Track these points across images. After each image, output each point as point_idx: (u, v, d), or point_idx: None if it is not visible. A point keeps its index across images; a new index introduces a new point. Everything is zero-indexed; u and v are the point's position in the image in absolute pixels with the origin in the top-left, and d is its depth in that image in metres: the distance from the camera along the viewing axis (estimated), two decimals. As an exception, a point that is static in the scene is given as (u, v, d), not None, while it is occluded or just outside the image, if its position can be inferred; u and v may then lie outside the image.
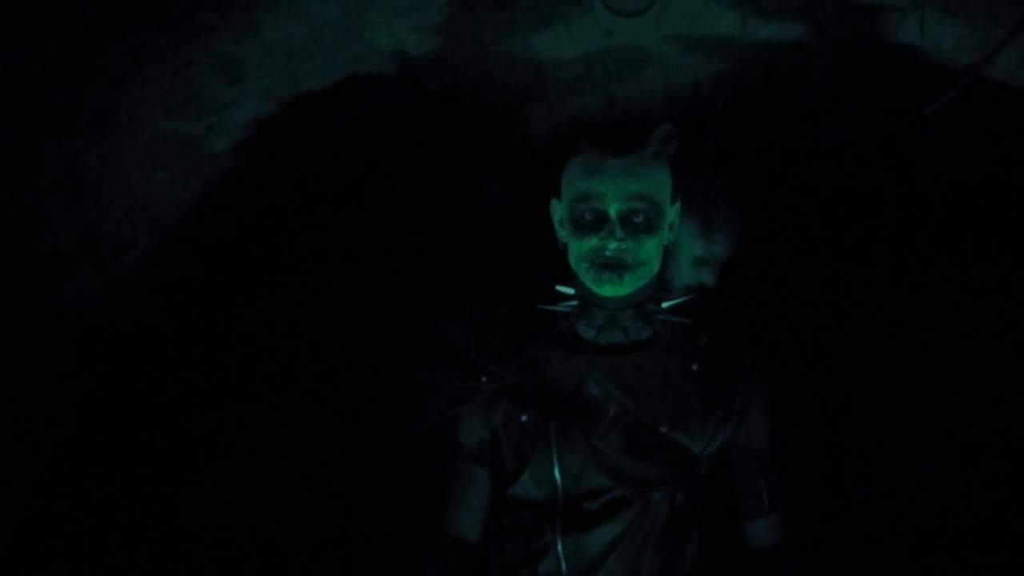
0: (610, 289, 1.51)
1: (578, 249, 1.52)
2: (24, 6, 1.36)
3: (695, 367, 1.58)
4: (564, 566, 1.52)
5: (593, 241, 1.49)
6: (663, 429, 1.53)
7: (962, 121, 1.82)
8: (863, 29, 1.71)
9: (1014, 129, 1.77)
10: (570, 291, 1.60)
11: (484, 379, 1.57)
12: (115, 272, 1.94)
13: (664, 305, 1.59)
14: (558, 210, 1.60)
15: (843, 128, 2.02)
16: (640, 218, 1.49)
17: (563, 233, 1.59)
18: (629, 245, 1.48)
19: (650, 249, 1.51)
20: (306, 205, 2.25)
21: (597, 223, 1.49)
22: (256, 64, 1.75)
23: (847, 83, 1.89)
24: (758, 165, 2.24)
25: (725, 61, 1.91)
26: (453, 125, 2.20)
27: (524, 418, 1.56)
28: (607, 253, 1.48)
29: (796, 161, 2.18)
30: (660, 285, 1.61)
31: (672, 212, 1.56)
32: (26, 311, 1.81)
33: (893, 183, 2.12)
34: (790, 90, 1.95)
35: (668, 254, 1.60)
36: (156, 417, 2.16)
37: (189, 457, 2.21)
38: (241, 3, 1.58)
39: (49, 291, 1.83)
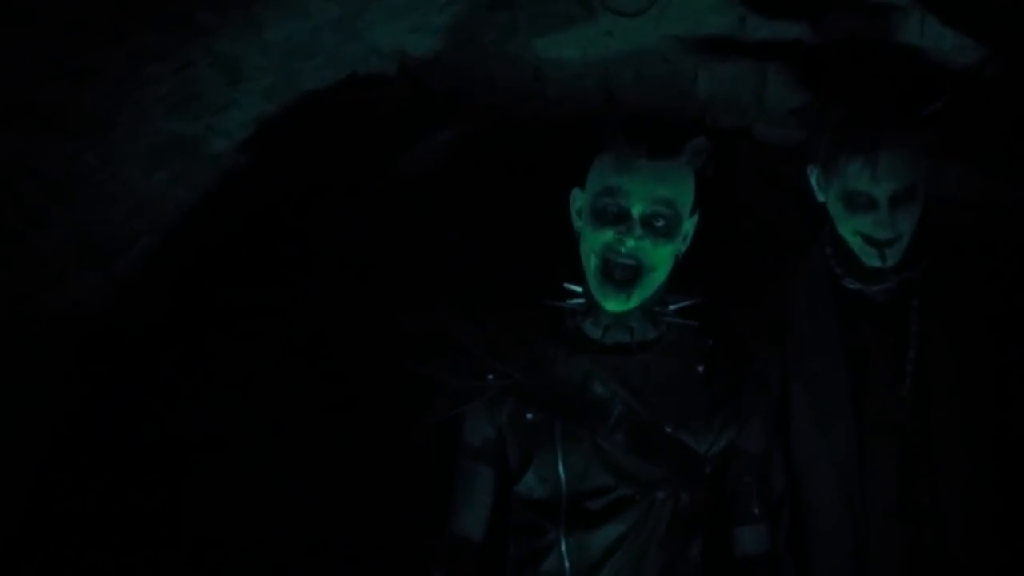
0: (614, 305, 1.51)
1: (592, 241, 1.51)
2: (24, 6, 1.35)
3: (700, 368, 1.59)
4: (567, 564, 1.53)
5: (610, 235, 1.48)
6: (668, 429, 1.53)
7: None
8: (863, 29, 1.71)
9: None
10: (577, 289, 1.60)
11: (490, 377, 1.57)
12: (115, 272, 1.94)
13: (671, 307, 1.60)
14: (578, 199, 1.59)
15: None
16: (661, 223, 1.49)
17: (579, 223, 1.58)
18: (645, 245, 1.48)
19: (664, 255, 1.51)
20: (306, 205, 2.25)
21: (618, 219, 1.48)
22: (256, 64, 1.75)
23: (847, 83, 1.89)
24: (756, 165, 2.25)
25: (725, 61, 1.91)
26: (453, 125, 2.20)
27: (529, 416, 1.56)
28: (623, 250, 1.48)
29: (794, 161, 2.18)
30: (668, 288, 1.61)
31: (689, 224, 1.56)
32: (26, 311, 1.81)
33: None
34: (790, 90, 1.96)
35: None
36: (156, 417, 2.16)
37: (190, 457, 2.20)
38: (241, 3, 1.58)
39: (49, 291, 1.83)
